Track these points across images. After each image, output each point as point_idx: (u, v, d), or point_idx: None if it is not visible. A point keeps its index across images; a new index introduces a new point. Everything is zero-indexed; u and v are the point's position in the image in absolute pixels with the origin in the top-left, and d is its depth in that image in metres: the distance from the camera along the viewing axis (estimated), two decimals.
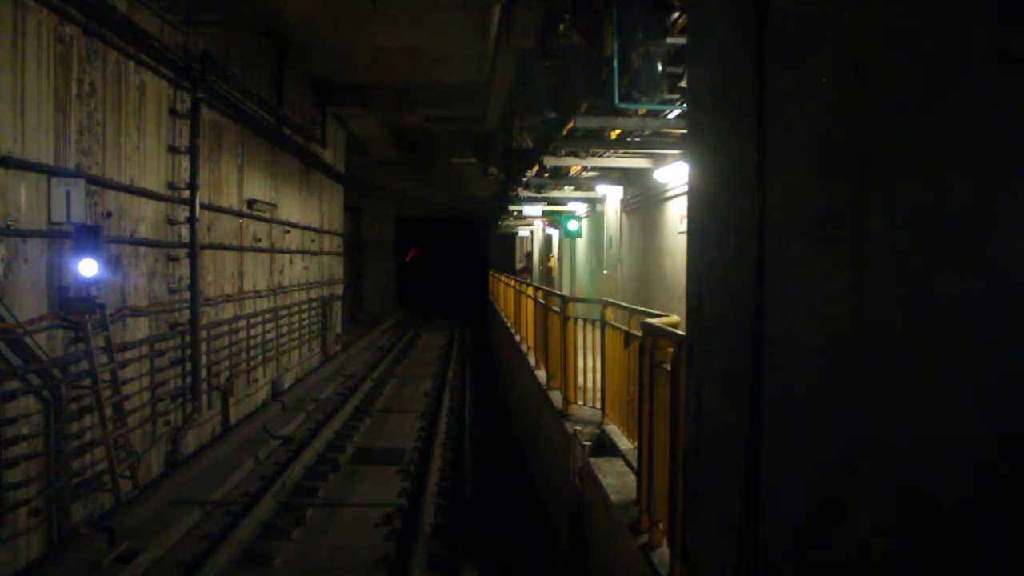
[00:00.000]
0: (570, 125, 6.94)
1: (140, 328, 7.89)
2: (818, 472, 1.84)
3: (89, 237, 6.27)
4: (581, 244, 16.68)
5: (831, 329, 1.66)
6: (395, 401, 13.91)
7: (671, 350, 3.19)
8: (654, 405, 3.12)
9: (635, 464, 4.35)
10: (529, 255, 29.75)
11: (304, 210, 15.33)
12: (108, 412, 6.94)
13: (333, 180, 18.18)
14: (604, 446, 4.97)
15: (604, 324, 5.27)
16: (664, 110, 6.13)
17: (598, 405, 5.69)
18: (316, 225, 16.43)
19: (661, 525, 3.08)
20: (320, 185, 16.83)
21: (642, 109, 6.40)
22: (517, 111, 15.18)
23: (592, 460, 4.45)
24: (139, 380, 7.83)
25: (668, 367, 2.99)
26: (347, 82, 16.28)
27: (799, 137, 1.83)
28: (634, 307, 4.65)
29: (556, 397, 6.62)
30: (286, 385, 13.33)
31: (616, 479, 4.08)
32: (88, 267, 6.24)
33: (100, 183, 6.89)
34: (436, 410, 12.46)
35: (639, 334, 4.33)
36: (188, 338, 8.93)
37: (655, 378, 3.14)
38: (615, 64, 5.46)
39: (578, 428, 5.05)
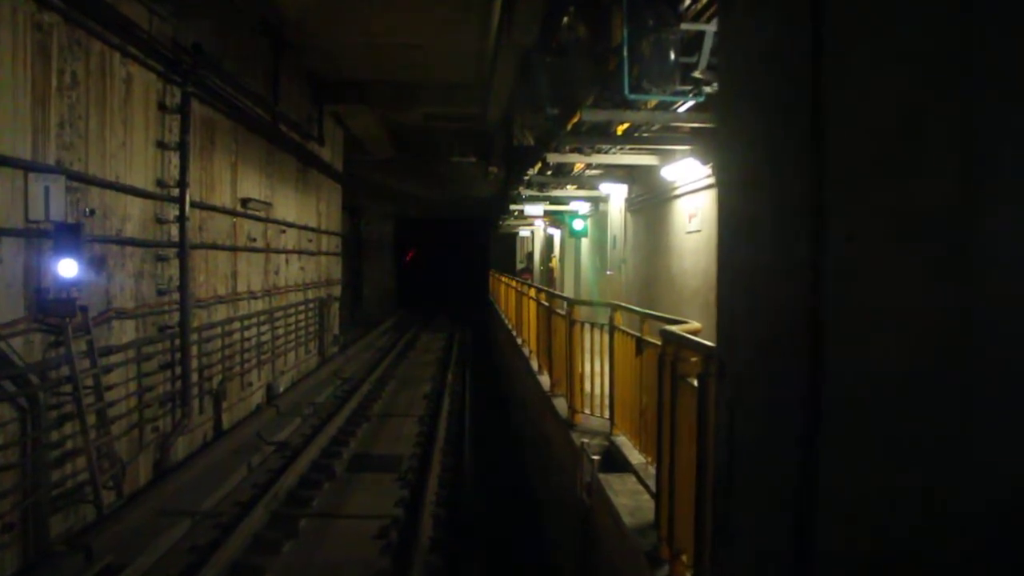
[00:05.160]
0: (576, 119, 6.63)
1: (126, 331, 7.57)
2: (894, 518, 1.53)
3: (69, 236, 5.96)
4: (584, 244, 16.37)
5: (923, 341, 1.35)
6: (393, 404, 13.59)
7: (694, 359, 2.88)
8: (676, 422, 2.80)
9: (648, 480, 4.03)
10: (530, 255, 29.45)
11: (301, 209, 15.02)
12: (91, 419, 6.64)
13: (331, 179, 17.86)
14: (614, 460, 4.66)
15: (613, 329, 4.95)
16: (676, 102, 5.81)
17: (606, 415, 5.37)
18: (313, 225, 16.11)
19: (684, 557, 2.77)
20: (317, 184, 16.51)
21: (652, 102, 6.10)
22: (518, 109, 14.86)
23: (602, 476, 4.14)
24: (125, 385, 7.52)
25: (694, 381, 2.68)
26: (345, 79, 15.98)
27: (871, 119, 1.51)
28: (647, 312, 4.33)
29: (561, 404, 6.30)
30: (282, 388, 13.01)
31: (629, 498, 3.77)
32: (68, 267, 5.93)
33: (83, 179, 6.58)
34: (435, 414, 12.14)
35: (654, 341, 4.01)
36: (178, 341, 8.62)
37: (678, 393, 2.82)
38: (624, 53, 5.14)
39: (585, 440, 4.73)
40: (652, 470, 4.07)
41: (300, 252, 14.94)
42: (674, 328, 3.07)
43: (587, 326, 5.67)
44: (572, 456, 5.28)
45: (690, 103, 6.08)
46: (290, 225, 14.09)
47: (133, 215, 7.70)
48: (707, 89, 5.36)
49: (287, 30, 12.58)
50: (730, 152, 2.22)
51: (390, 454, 9.90)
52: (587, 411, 5.59)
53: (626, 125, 7.25)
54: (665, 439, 2.94)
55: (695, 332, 3.19)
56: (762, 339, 1.92)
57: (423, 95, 16.96)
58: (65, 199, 6.08)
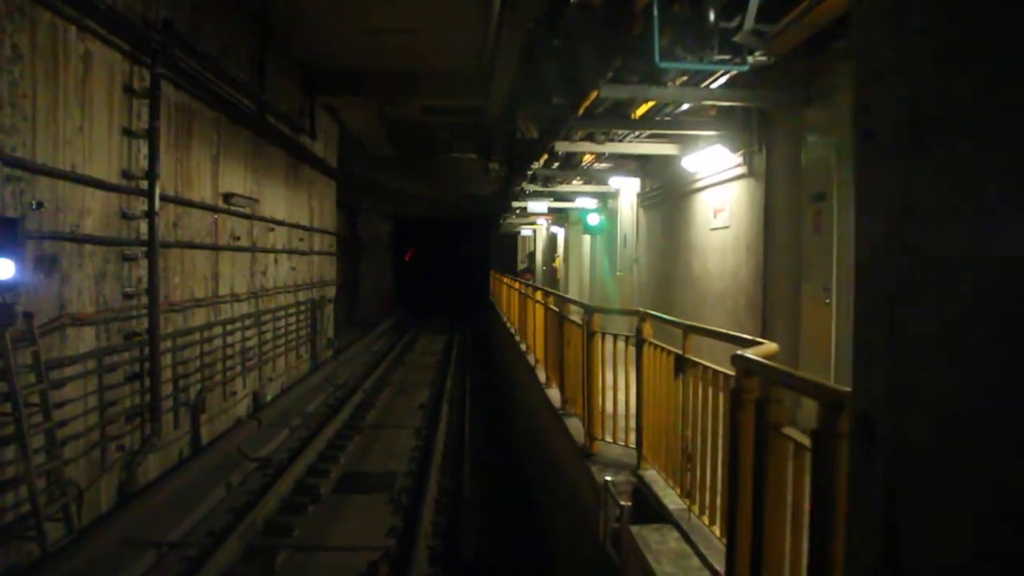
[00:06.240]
0: (591, 99, 5.81)
1: (84, 340, 6.74)
2: None
3: (4, 232, 5.13)
4: (590, 243, 15.53)
5: None
6: (388, 414, 12.78)
7: (786, 402, 2.05)
8: (765, 489, 1.99)
9: (693, 535, 3.22)
10: (532, 255, 28.67)
11: (291, 206, 14.19)
12: (38, 442, 5.83)
13: (325, 175, 17.03)
14: (644, 501, 3.84)
15: (642, 342, 4.13)
16: (709, 76, 4.98)
17: (630, 441, 4.54)
18: (305, 223, 15.28)
19: None
20: (310, 180, 15.68)
21: (679, 78, 5.28)
22: (522, 100, 14.03)
23: (635, 530, 3.32)
24: (84, 400, 6.69)
25: (794, 434, 1.87)
26: (338, 69, 15.14)
27: None
28: (691, 324, 3.50)
29: (574, 426, 5.48)
30: (269, 397, 12.18)
31: (674, 565, 2.95)
32: (2, 268, 5.10)
33: (27, 167, 5.74)
34: (433, 425, 11.33)
35: (703, 362, 3.19)
36: (147, 349, 7.79)
37: (766, 448, 2.01)
38: (655, 12, 4.33)
39: (609, 479, 3.91)
40: (699, 523, 3.26)
41: (290, 252, 14.11)
42: (749, 353, 2.26)
43: (608, 338, 4.82)
44: (590, 490, 4.46)
45: (723, 78, 5.27)
46: (279, 223, 13.25)
47: (93, 209, 6.87)
48: (750, 59, 4.54)
49: (273, 14, 11.76)
50: (890, 79, 1.40)
51: (383, 471, 9.09)
52: (608, 438, 4.75)
53: (647, 107, 6.43)
54: (743, 512, 2.12)
55: (769, 356, 2.37)
56: (986, 385, 1.11)
57: (421, 86, 16.11)
58: (0, 189, 5.26)
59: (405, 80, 15.92)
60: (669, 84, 5.21)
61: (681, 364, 3.45)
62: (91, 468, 6.81)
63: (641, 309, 4.18)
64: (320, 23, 12.50)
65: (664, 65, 4.42)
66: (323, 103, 16.12)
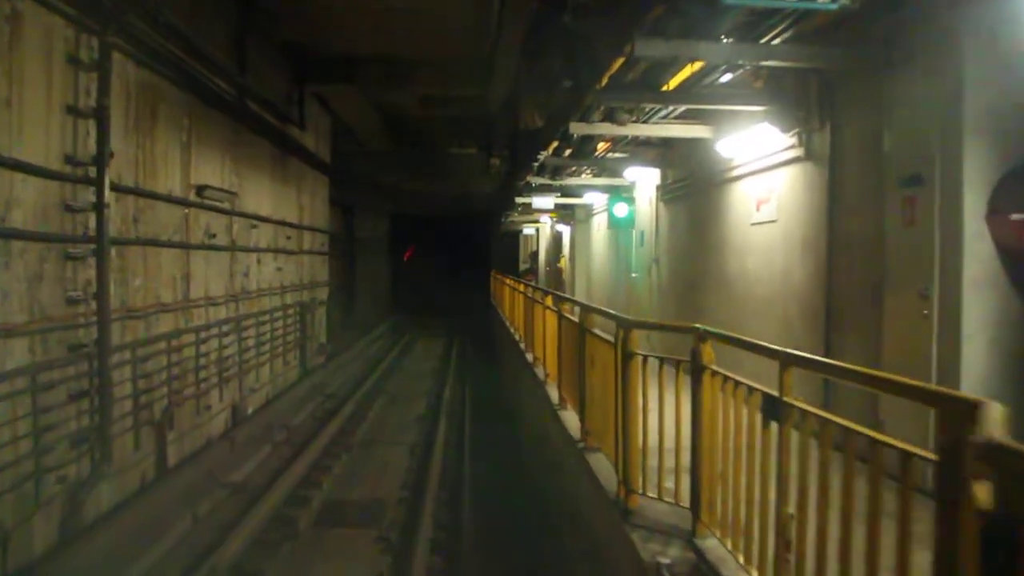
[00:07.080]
0: (617, 66, 4.73)
1: (13, 354, 5.66)
2: None
3: None
4: (599, 241, 14.43)
5: None
6: (381, 428, 11.72)
7: None
8: None
9: None
10: (534, 255, 27.65)
11: (278, 202, 13.11)
12: None
13: (316, 170, 15.94)
14: None
15: (700, 370, 3.07)
16: (784, 18, 3.92)
17: (682, 498, 3.47)
18: (294, 220, 14.21)
19: None
20: (299, 174, 14.60)
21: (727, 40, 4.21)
22: (526, 87, 13.00)
23: None
24: (11, 426, 5.61)
25: None
26: (329, 54, 14.07)
27: None
28: (794, 353, 2.40)
29: (601, 467, 4.41)
30: (250, 410, 11.10)
31: None
32: None
33: None
34: (430, 441, 10.28)
35: (834, 419, 2.13)
36: (96, 363, 6.73)
37: None
38: None
39: (661, 560, 2.85)
40: None
41: (276, 251, 13.02)
42: (997, 430, 1.21)
43: (653, 363, 3.70)
44: (628, 563, 3.39)
45: (778, 38, 4.22)
46: (263, 219, 12.17)
47: (25, 200, 5.80)
48: None
49: None
50: None
51: (371, 499, 8.03)
52: (651, 493, 3.67)
53: (680, 79, 5.36)
54: None
55: (1001, 424, 1.32)
56: None
57: (418, 74, 15.05)
58: None
59: (401, 67, 14.86)
60: (719, 39, 4.15)
61: (775, 409, 2.40)
62: (22, 505, 5.74)
63: (700, 326, 3.11)
64: (308, 2, 11.45)
65: (730, 1, 3.36)
66: (313, 92, 15.06)
